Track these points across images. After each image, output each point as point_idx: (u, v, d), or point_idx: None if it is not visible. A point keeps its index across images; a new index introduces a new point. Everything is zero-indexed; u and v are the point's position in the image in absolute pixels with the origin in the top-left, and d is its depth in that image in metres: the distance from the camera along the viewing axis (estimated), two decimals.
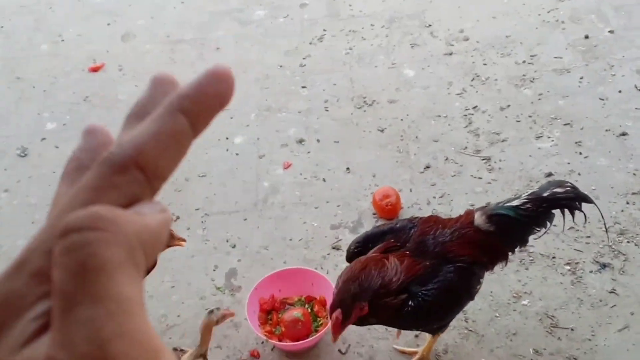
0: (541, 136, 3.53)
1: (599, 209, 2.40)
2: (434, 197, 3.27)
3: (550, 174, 3.30)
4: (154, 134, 0.42)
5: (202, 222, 3.29)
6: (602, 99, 3.70)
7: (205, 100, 0.44)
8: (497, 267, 2.38)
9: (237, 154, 3.64)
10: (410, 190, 3.31)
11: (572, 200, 2.26)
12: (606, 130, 3.52)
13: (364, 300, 1.98)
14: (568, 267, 2.88)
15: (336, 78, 4.09)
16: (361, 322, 2.16)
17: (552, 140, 3.50)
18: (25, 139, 3.90)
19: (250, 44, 4.46)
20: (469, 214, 2.30)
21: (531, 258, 2.94)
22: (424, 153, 3.52)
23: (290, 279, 2.83)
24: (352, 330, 2.75)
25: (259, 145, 3.68)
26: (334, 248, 3.09)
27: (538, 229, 2.31)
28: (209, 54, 4.42)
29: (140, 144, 0.41)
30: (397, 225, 2.31)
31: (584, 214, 2.36)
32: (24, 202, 3.52)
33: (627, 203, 3.13)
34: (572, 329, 2.67)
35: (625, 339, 2.62)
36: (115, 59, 4.46)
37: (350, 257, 2.34)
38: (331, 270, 2.97)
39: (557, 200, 2.25)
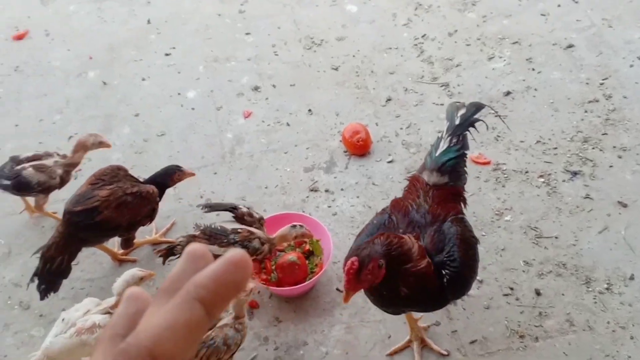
0: (493, 57, 3.59)
1: (495, 111, 2.64)
2: (401, 129, 3.28)
3: (508, 93, 3.37)
4: (170, 325, 0.44)
5: None
6: (544, 15, 3.79)
7: (222, 289, 0.46)
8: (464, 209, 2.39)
9: (193, 109, 3.52)
10: (377, 124, 3.30)
11: (475, 112, 2.36)
12: (553, 44, 3.61)
13: (382, 256, 1.85)
14: (542, 180, 2.98)
15: (279, 21, 3.99)
16: (392, 300, 2.04)
17: (504, 60, 3.56)
18: None
19: None
20: (417, 178, 2.32)
21: (505, 175, 3.02)
22: (382, 86, 3.51)
23: (276, 225, 2.78)
24: None
25: (214, 97, 3.56)
26: (311, 190, 3.06)
27: (466, 155, 2.38)
28: (141, 9, 4.21)
29: (156, 335, 0.43)
30: (375, 222, 2.24)
31: (484, 122, 2.46)
32: None
33: (586, 112, 3.24)
34: (556, 237, 2.78)
35: (607, 240, 2.75)
36: (39, 24, 4.18)
37: None
38: (313, 212, 2.95)
39: (469, 119, 2.34)
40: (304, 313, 2.64)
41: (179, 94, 3.60)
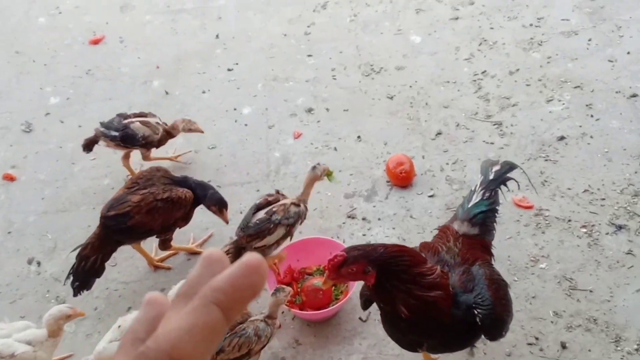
0: (552, 99, 3.52)
1: (524, 171, 2.56)
2: (447, 164, 3.26)
3: (562, 137, 3.29)
4: (188, 328, 0.45)
5: None
6: (611, 61, 3.68)
7: (238, 293, 0.47)
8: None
9: (246, 125, 3.61)
10: (423, 157, 3.29)
11: (509, 170, 2.40)
12: (616, 92, 3.50)
13: (373, 263, 1.82)
14: (584, 230, 2.89)
15: (342, 46, 4.04)
16: (395, 322, 2.03)
17: (563, 104, 3.48)
18: (29, 114, 3.85)
19: (252, 12, 4.39)
20: (448, 227, 2.33)
21: (547, 222, 2.94)
22: (434, 119, 3.50)
23: (308, 248, 2.82)
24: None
25: (268, 116, 3.64)
26: (349, 217, 3.08)
27: (497, 211, 2.40)
28: (211, 24, 4.35)
29: (175, 339, 0.45)
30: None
31: (515, 180, 2.48)
32: (33, 178, 3.49)
33: None
34: (590, 291, 2.69)
35: None
36: (115, 31, 4.39)
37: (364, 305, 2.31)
38: (347, 239, 2.97)
39: (502, 176, 2.38)
40: (324, 338, 2.66)
41: (234, 109, 3.70)
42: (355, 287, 2.63)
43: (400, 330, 2.10)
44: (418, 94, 3.67)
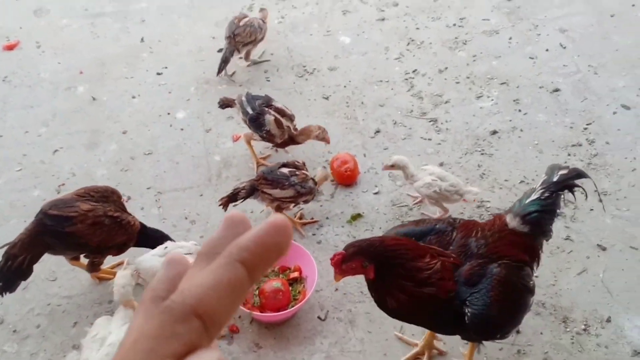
0: (481, 96, 3.66)
1: (594, 182, 2.54)
2: None
3: (495, 132, 3.42)
4: (213, 284, 0.45)
5: (155, 200, 3.17)
6: (532, 58, 3.87)
7: (264, 252, 0.47)
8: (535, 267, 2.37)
9: (182, 129, 3.52)
10: (364, 155, 3.33)
11: (576, 177, 2.37)
12: (540, 87, 3.69)
13: (369, 258, 1.93)
14: None
15: (272, 48, 4.03)
16: (381, 306, 2.07)
17: (492, 100, 3.63)
18: None
19: (176, 15, 4.30)
20: (501, 217, 2.33)
21: (489, 213, 3.05)
22: (371, 118, 3.55)
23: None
24: (328, 296, 2.77)
25: (204, 119, 3.57)
26: (297, 218, 3.07)
27: (558, 215, 2.40)
28: (134, 27, 4.22)
29: (200, 294, 0.45)
30: (437, 227, 2.25)
31: (584, 189, 2.46)
32: None
33: (569, 155, 3.31)
34: (536, 276, 2.80)
35: (585, 281, 2.79)
36: (31, 36, 4.18)
37: None
38: (297, 239, 2.95)
39: (566, 181, 2.35)
40: (284, 340, 2.63)
41: (168, 113, 3.61)
42: (314, 287, 2.63)
43: (385, 311, 2.11)
44: (353, 93, 3.71)
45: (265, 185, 2.81)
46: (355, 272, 2.00)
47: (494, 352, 2.55)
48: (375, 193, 3.17)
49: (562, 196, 2.38)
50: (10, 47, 4.07)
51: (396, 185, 3.20)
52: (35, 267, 2.58)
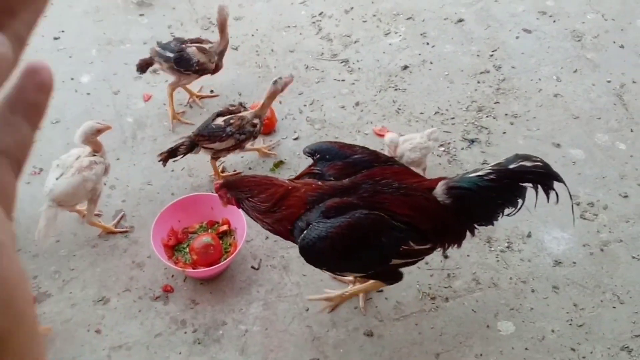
0: (389, 32, 3.68)
1: (567, 187, 2.12)
2: (305, 105, 3.31)
3: (406, 67, 3.47)
4: None
5: None
6: None
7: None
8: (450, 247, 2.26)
9: (88, 94, 3.38)
10: (280, 103, 3.31)
11: (542, 176, 2.08)
12: (444, 19, 3.75)
13: (227, 191, 2.25)
14: (442, 148, 3.10)
15: (173, 2, 3.90)
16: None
17: (400, 35, 3.66)
18: None
19: None
20: (438, 180, 2.17)
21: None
22: (283, 65, 3.52)
23: (187, 208, 2.75)
24: (259, 245, 2.78)
25: (111, 82, 3.44)
26: (220, 172, 3.03)
27: (506, 206, 2.13)
28: None
29: None
30: (356, 157, 2.21)
31: (556, 193, 2.11)
32: None
33: (478, 82, 3.40)
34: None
35: None
36: None
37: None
38: None
39: (524, 174, 2.06)
40: (220, 293, 2.63)
41: (72, 79, 3.45)
42: (244, 238, 2.63)
43: None
44: (262, 41, 3.66)
45: (203, 140, 2.78)
46: (228, 201, 2.28)
47: (425, 279, 2.64)
48: (295, 139, 3.17)
49: (519, 190, 2.11)
50: None
51: (315, 128, 3.20)
52: None
